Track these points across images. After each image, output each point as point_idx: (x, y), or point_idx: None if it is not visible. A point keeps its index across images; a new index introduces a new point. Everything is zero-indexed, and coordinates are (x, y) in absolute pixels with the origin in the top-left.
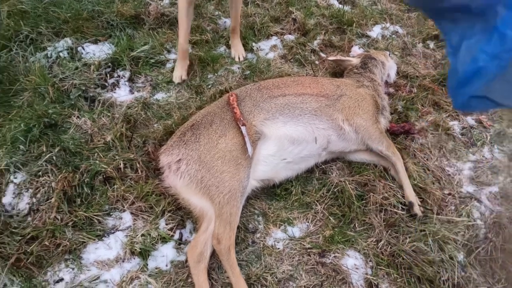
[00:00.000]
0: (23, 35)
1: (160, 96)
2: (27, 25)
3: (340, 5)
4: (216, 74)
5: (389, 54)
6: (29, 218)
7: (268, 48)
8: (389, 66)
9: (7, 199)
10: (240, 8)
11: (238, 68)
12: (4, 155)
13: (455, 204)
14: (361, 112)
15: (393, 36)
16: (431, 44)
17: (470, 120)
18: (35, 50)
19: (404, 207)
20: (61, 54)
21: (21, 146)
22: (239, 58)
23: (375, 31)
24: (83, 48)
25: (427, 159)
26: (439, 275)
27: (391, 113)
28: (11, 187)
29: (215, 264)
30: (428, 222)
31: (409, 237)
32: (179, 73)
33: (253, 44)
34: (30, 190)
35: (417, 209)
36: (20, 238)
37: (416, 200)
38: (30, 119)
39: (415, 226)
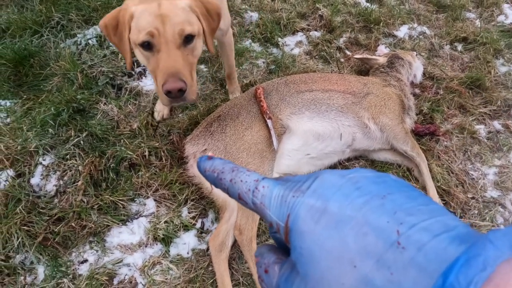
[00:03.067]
0: (54, 21)
1: None
2: (58, 11)
3: (367, 4)
4: (241, 68)
5: (416, 55)
6: (56, 200)
7: (294, 44)
8: (416, 67)
9: (35, 180)
10: (232, 55)
11: (263, 62)
12: (34, 137)
13: (479, 208)
14: (387, 111)
15: (420, 36)
16: (459, 47)
17: (496, 124)
18: (65, 37)
19: None
20: (90, 41)
21: (50, 130)
22: None
23: (402, 31)
24: None
25: (451, 162)
26: None
27: (416, 114)
28: (39, 168)
29: (235, 254)
30: None
31: None
32: (161, 111)
33: (279, 39)
34: (58, 173)
35: None
36: (47, 218)
37: (439, 202)
38: (59, 103)
39: None
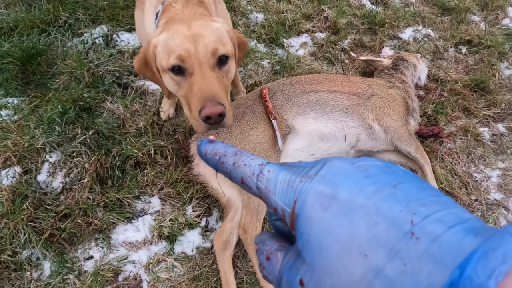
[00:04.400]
0: (62, 20)
1: None
2: (65, 10)
3: (372, 6)
4: (246, 68)
5: (421, 57)
6: (62, 197)
7: (299, 45)
8: (420, 69)
9: (42, 177)
10: (237, 71)
11: (268, 63)
12: (41, 135)
13: (482, 210)
14: (391, 113)
15: (425, 39)
16: (464, 49)
17: (500, 127)
18: (73, 36)
19: None
20: (96, 40)
21: (57, 127)
22: None
23: (407, 33)
24: (118, 36)
25: (455, 164)
26: None
27: (421, 116)
28: (46, 165)
29: (239, 253)
30: None
31: None
32: (167, 111)
33: (284, 40)
34: (64, 170)
35: None
36: (54, 214)
37: None
38: (66, 101)
39: None
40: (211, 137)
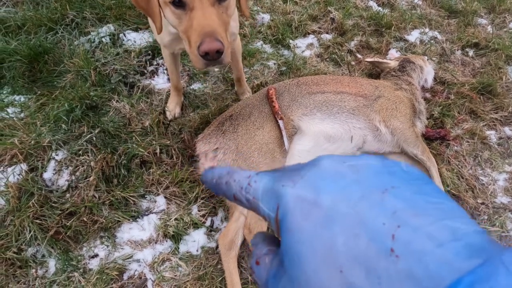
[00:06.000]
0: (69, 19)
1: (196, 86)
2: (72, 9)
3: (379, 8)
4: (251, 68)
5: (427, 59)
6: (68, 194)
7: (305, 46)
8: (427, 71)
9: (48, 174)
10: (240, 60)
11: (274, 63)
12: (47, 133)
13: (488, 214)
14: (398, 115)
15: (432, 41)
16: (471, 52)
17: (507, 130)
18: (79, 34)
19: None
20: (103, 39)
21: (63, 125)
22: None
23: (414, 36)
24: (125, 35)
25: (461, 167)
26: None
27: (427, 118)
28: (52, 163)
29: (245, 253)
30: None
31: None
32: (173, 110)
33: (290, 41)
34: (70, 168)
35: None
36: (59, 212)
37: None
38: (72, 99)
39: None
40: (212, 164)
